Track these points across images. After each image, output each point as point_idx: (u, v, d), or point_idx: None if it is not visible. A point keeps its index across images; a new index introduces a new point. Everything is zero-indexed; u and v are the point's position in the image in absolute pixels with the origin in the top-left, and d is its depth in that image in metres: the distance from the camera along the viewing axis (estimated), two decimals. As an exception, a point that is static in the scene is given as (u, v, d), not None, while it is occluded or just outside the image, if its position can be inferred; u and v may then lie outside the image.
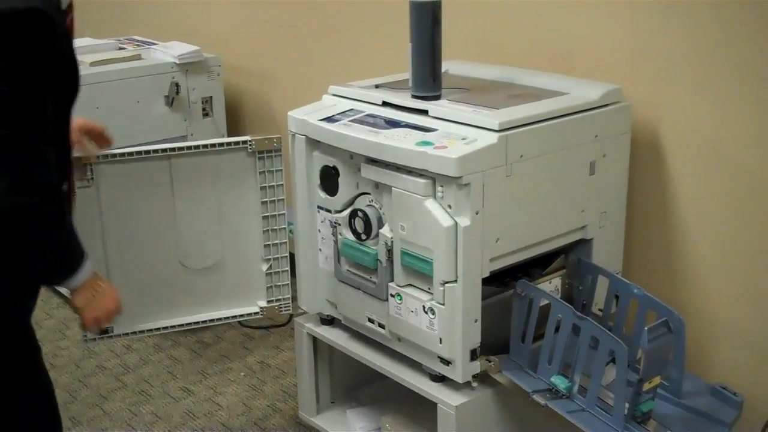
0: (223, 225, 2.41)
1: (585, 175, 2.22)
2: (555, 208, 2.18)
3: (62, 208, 1.59)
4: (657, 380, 1.98)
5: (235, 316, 2.55)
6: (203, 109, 3.34)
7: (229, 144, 2.38)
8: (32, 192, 1.50)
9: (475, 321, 2.08)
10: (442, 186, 2.00)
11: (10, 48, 1.43)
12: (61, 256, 1.63)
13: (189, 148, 2.33)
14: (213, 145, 2.35)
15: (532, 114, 2.08)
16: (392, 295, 2.18)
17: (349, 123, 2.23)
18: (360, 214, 2.21)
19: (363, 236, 2.22)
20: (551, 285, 2.27)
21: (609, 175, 2.26)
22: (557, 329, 2.06)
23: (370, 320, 2.28)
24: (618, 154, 2.27)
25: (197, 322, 2.51)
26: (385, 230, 2.17)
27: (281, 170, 2.43)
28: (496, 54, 2.67)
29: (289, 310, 2.56)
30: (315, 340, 2.52)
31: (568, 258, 2.31)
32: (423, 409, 2.21)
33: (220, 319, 2.52)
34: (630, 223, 2.41)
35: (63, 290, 1.86)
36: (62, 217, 1.60)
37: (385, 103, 2.27)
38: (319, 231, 2.40)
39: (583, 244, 2.29)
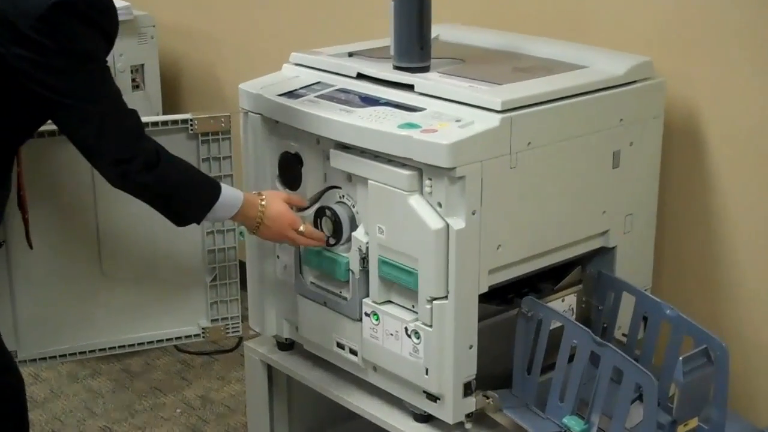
0: (156, 224, 2.40)
1: (607, 168, 2.22)
2: (570, 208, 2.18)
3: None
4: (694, 422, 1.99)
5: (171, 339, 2.55)
6: (133, 81, 3.33)
7: (165, 123, 2.38)
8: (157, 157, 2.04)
9: (470, 347, 2.07)
10: (430, 179, 2.00)
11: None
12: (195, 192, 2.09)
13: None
14: (145, 125, 2.32)
15: (542, 91, 2.08)
16: (367, 314, 2.18)
17: (316, 99, 2.22)
18: (328, 212, 2.22)
19: (331, 240, 2.22)
20: (564, 303, 2.27)
21: (636, 169, 2.27)
22: (571, 358, 2.06)
23: (340, 345, 2.28)
24: (647, 142, 2.28)
25: (123, 346, 2.51)
26: (359, 233, 2.17)
27: (230, 157, 2.44)
28: (499, 17, 2.67)
29: (237, 331, 2.57)
30: (270, 370, 2.52)
31: (586, 271, 2.31)
32: (403, 456, 2.21)
33: (151, 342, 2.53)
34: (661, 229, 2.41)
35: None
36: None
37: (360, 76, 2.26)
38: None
39: (605, 253, 2.30)
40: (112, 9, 2.01)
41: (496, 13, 2.67)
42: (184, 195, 2.09)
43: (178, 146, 2.38)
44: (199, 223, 2.14)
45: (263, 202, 2.17)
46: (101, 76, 1.99)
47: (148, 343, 2.52)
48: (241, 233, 2.49)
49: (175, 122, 2.39)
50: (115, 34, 2.03)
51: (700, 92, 2.33)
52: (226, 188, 2.13)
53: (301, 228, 2.19)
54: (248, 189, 2.35)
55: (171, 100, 3.60)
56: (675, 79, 2.32)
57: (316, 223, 2.24)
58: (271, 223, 2.17)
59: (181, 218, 2.12)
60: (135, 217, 2.39)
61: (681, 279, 2.45)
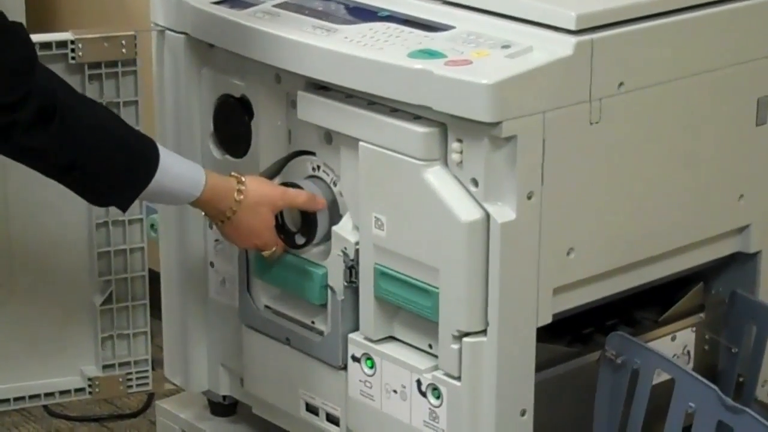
0: (16, 211, 2.42)
1: (748, 125, 2.24)
2: (685, 191, 2.19)
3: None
4: None
5: (37, 396, 2.59)
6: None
7: None
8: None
9: (523, 413, 2.08)
10: (460, 141, 2.00)
11: None
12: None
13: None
14: None
15: (641, 1, 2.08)
16: (356, 359, 2.19)
17: (275, 9, 2.24)
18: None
19: (298, 239, 2.23)
20: (676, 343, 2.29)
21: (795, 128, 2.29)
22: (687, 431, 2.06)
23: (310, 408, 2.30)
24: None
25: None
26: (344, 228, 2.18)
27: (135, 102, 2.49)
28: None
29: (145, 385, 2.58)
30: (197, 447, 2.54)
31: (711, 291, 2.33)
32: None
33: (5, 400, 2.55)
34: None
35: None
36: None
37: (348, -29, 2.28)
38: (211, 227, 2.40)
39: (742, 263, 2.32)
40: None
41: None
42: (98, 163, 2.08)
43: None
44: (125, 210, 2.15)
45: (239, 196, 2.20)
46: None
47: (1, 402, 2.51)
48: (152, 225, 2.49)
49: (46, 45, 2.41)
50: None
51: None
52: (172, 161, 2.13)
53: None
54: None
55: (39, 7, 3.62)
56: None
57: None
58: (251, 212, 2.21)
59: (98, 197, 2.13)
60: None
61: None
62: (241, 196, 2.19)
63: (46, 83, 2.01)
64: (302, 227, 2.23)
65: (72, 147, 2.03)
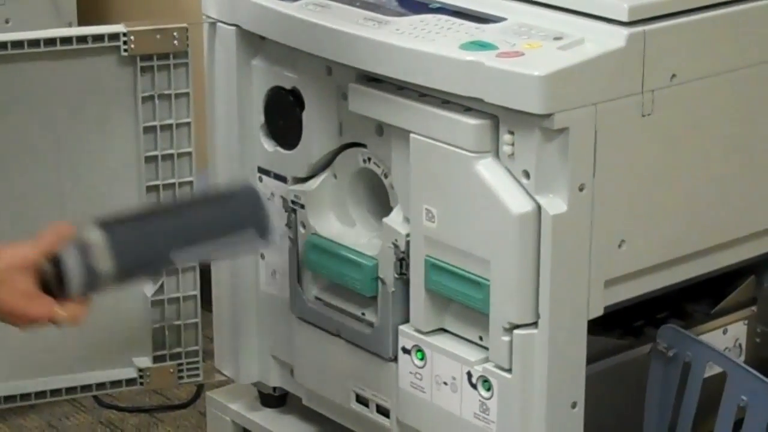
0: (71, 202, 2.45)
1: (802, 117, 2.23)
2: (738, 183, 2.19)
3: None
4: None
5: (89, 387, 2.57)
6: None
7: (82, 40, 2.40)
8: None
9: (574, 405, 2.08)
10: (512, 133, 2.00)
11: None
12: None
13: (5, 46, 2.36)
14: (51, 41, 2.38)
15: (695, -8, 2.10)
16: (406, 351, 2.19)
17: (327, 2, 2.24)
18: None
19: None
20: (728, 336, 2.28)
21: None
22: (738, 425, 2.05)
23: (361, 399, 2.30)
24: None
25: (13, 397, 2.54)
26: (395, 220, 2.18)
27: (186, 94, 2.46)
28: None
29: (196, 375, 2.59)
30: (248, 438, 2.55)
31: (763, 284, 2.32)
32: None
33: (58, 391, 2.55)
34: None
35: None
36: None
37: (399, -38, 2.29)
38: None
39: (793, 256, 2.31)
40: None
41: None
42: None
43: (103, 76, 2.42)
44: None
45: None
46: None
47: (52, 392, 2.55)
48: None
49: (98, 38, 2.40)
50: None
51: None
52: None
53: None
54: (212, 147, 2.41)
55: (91, 3, 3.63)
56: None
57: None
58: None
59: None
60: (40, 192, 2.46)
61: None
62: None
63: None
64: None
65: None
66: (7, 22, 3.35)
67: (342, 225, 2.32)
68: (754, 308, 2.31)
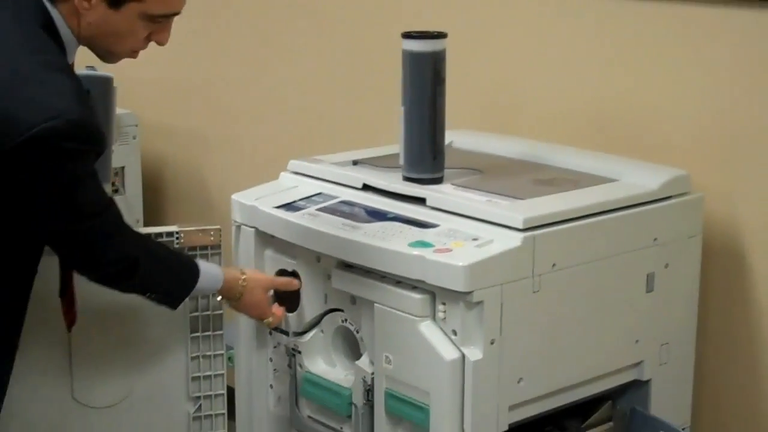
0: (134, 346, 2.40)
1: (640, 292, 2.22)
2: (599, 337, 2.18)
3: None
4: None
5: None
6: (112, 184, 3.33)
7: (147, 236, 2.36)
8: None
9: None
10: (444, 304, 2.00)
11: None
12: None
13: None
14: None
15: (568, 208, 2.10)
16: (371, 455, 2.16)
17: (317, 212, 2.24)
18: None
19: (289, 307, 2.31)
20: (594, 444, 2.26)
21: (672, 293, 2.28)
22: None
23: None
24: (685, 263, 2.29)
25: None
26: (364, 362, 2.16)
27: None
28: (518, 123, 2.69)
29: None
30: None
31: (617, 406, 2.29)
32: None
33: None
34: (701, 359, 2.40)
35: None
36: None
37: (366, 187, 2.29)
38: (271, 360, 2.40)
39: (638, 387, 2.28)
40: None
41: (515, 118, 2.69)
42: (165, 285, 2.18)
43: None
44: (175, 308, 2.21)
45: (243, 283, 2.25)
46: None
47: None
48: (230, 358, 2.48)
49: (158, 235, 2.37)
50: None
51: (742, 209, 2.34)
52: (205, 269, 2.21)
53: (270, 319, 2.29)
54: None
55: (153, 209, 3.60)
56: (714, 195, 2.33)
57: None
58: (250, 293, 2.26)
59: (161, 303, 2.20)
60: (111, 337, 2.38)
61: (723, 415, 2.43)
62: (244, 283, 2.24)
63: (131, 250, 2.08)
64: (288, 299, 2.28)
65: (148, 286, 2.15)
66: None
67: (327, 366, 2.30)
68: (611, 424, 2.29)
